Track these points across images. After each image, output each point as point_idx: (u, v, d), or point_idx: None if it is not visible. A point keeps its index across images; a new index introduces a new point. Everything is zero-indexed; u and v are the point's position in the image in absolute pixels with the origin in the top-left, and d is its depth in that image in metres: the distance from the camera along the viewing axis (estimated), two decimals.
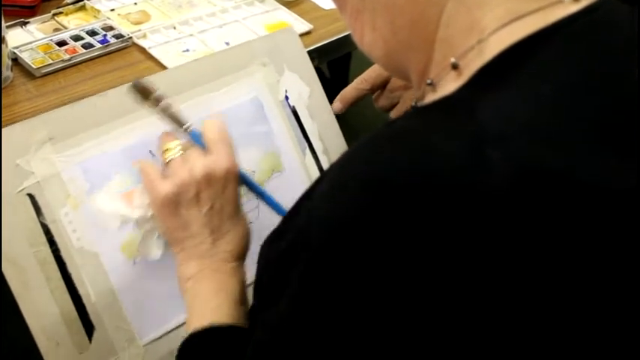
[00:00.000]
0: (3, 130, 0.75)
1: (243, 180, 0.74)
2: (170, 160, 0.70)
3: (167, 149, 0.71)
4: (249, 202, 0.87)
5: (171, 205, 0.68)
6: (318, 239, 0.44)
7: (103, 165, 0.78)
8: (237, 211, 0.71)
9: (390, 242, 0.40)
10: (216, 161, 0.69)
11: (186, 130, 0.72)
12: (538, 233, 0.41)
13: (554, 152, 0.42)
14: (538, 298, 0.41)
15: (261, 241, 0.61)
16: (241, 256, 0.72)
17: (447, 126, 0.44)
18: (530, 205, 0.41)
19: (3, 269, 0.72)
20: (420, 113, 0.48)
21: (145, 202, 0.73)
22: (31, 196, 0.75)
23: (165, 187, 0.68)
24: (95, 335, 0.77)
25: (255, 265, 0.59)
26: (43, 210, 0.75)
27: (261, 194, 0.78)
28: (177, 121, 0.72)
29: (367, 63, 0.57)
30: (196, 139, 0.72)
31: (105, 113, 0.80)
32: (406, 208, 0.40)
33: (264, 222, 0.88)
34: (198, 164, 0.68)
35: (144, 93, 0.72)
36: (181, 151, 0.70)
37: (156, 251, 0.75)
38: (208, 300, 0.68)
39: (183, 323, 0.80)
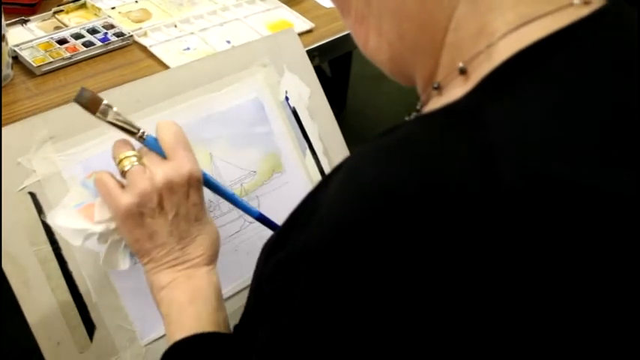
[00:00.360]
0: (4, 128, 0.76)
1: (207, 183, 0.72)
2: (128, 170, 0.67)
3: (123, 158, 0.68)
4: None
5: (135, 217, 0.66)
6: (324, 248, 0.43)
7: (103, 164, 0.77)
8: (203, 214, 0.70)
9: (397, 251, 0.40)
10: (176, 167, 0.67)
11: (140, 137, 0.69)
12: (546, 241, 0.41)
13: (562, 160, 0.42)
14: (543, 305, 0.41)
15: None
16: (213, 259, 0.71)
17: (454, 134, 0.43)
18: (538, 214, 0.41)
19: (4, 268, 0.73)
20: (426, 120, 0.48)
21: (105, 215, 0.69)
22: (32, 195, 0.76)
23: (127, 199, 0.66)
24: (96, 334, 0.77)
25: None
26: (44, 208, 0.76)
27: (227, 195, 0.76)
28: (130, 129, 0.69)
29: (369, 62, 0.57)
30: (153, 146, 0.69)
31: None
32: (413, 217, 0.40)
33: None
34: (159, 172, 0.66)
35: (90, 105, 0.68)
36: (137, 160, 0.68)
37: (123, 262, 0.72)
38: (186, 308, 0.66)
39: None
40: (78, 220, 0.70)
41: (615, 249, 0.42)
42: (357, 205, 0.42)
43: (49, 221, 0.72)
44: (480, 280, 0.40)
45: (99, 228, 0.69)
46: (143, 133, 0.69)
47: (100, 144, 0.79)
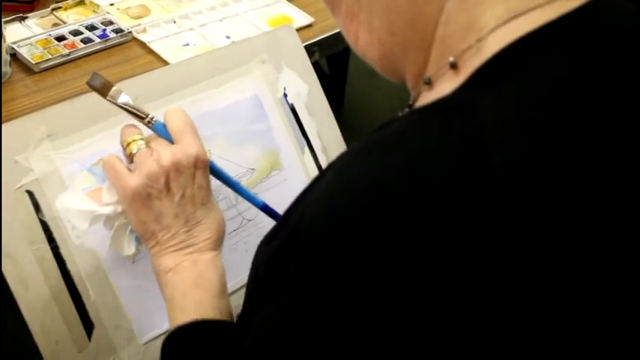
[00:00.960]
0: (2, 126, 0.76)
1: (213, 171, 0.74)
2: (135, 153, 0.69)
3: (131, 142, 0.70)
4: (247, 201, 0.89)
5: (143, 198, 0.68)
6: (311, 240, 0.44)
7: None
8: (209, 198, 0.71)
9: (385, 246, 0.41)
10: (183, 149, 0.69)
11: (149, 122, 0.71)
12: (539, 234, 0.41)
13: (553, 153, 0.43)
14: (534, 300, 0.41)
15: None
16: (218, 244, 0.72)
17: (444, 129, 0.44)
18: (531, 208, 0.41)
19: (2, 266, 0.73)
20: (416, 116, 0.49)
21: (113, 198, 0.71)
22: (30, 193, 0.76)
23: (135, 180, 0.67)
24: (94, 333, 0.77)
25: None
26: (42, 207, 0.76)
27: (233, 184, 0.77)
28: (139, 114, 0.72)
29: (365, 61, 0.58)
30: (161, 131, 0.71)
31: (104, 110, 0.80)
32: (403, 213, 0.41)
33: (262, 220, 0.89)
34: (166, 153, 0.68)
35: (101, 89, 0.71)
36: (145, 144, 0.70)
37: (129, 247, 0.74)
38: (189, 293, 0.68)
39: None
40: (86, 202, 0.72)
41: (612, 240, 0.43)
42: (348, 201, 0.43)
43: (58, 204, 0.75)
44: (474, 273, 0.40)
45: (106, 210, 0.71)
46: (152, 118, 0.71)
47: (98, 142, 0.80)
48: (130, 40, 1.20)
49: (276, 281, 0.48)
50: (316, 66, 1.02)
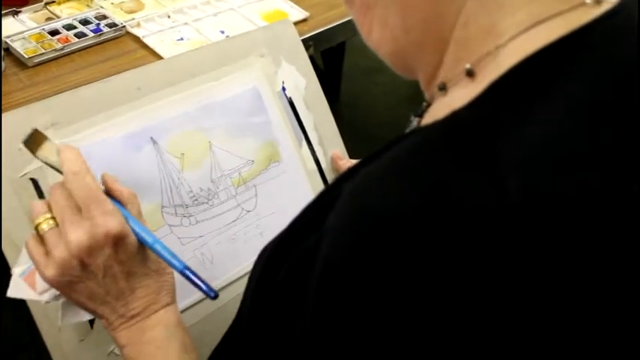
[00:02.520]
0: (6, 114, 0.79)
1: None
2: (44, 234, 0.67)
3: (42, 222, 0.67)
4: (246, 192, 0.93)
5: (65, 285, 0.66)
6: (333, 281, 0.44)
7: (106, 151, 0.82)
8: (139, 266, 0.69)
9: (405, 282, 0.41)
10: (90, 229, 0.65)
11: None
12: (560, 269, 0.41)
13: (576, 179, 0.42)
14: (553, 321, 0.41)
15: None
16: (164, 302, 0.71)
17: (461, 155, 0.43)
18: (552, 242, 0.40)
19: (5, 252, 0.76)
20: (427, 137, 0.47)
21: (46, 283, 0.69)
22: (34, 181, 0.79)
23: (49, 271, 0.65)
24: (97, 322, 0.80)
25: None
26: (46, 195, 0.79)
27: (151, 245, 0.71)
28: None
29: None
30: None
31: (108, 99, 0.84)
32: (420, 247, 0.41)
33: (261, 211, 0.94)
34: (73, 238, 0.64)
35: (36, 143, 0.70)
36: (53, 223, 0.67)
37: (84, 313, 0.72)
38: None
39: (184, 310, 0.85)
40: (26, 290, 0.70)
41: (625, 262, 0.42)
42: (362, 238, 0.43)
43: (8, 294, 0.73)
44: (493, 305, 0.40)
45: (45, 297, 0.70)
46: None
47: (102, 131, 0.83)
48: (124, 35, 1.23)
49: (292, 306, 0.49)
50: (311, 61, 1.06)
